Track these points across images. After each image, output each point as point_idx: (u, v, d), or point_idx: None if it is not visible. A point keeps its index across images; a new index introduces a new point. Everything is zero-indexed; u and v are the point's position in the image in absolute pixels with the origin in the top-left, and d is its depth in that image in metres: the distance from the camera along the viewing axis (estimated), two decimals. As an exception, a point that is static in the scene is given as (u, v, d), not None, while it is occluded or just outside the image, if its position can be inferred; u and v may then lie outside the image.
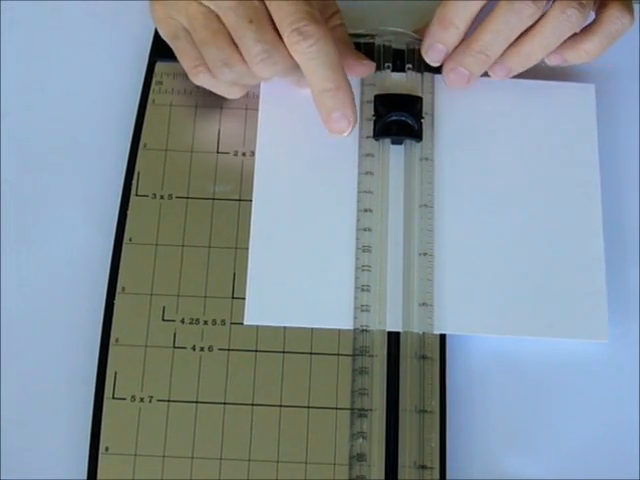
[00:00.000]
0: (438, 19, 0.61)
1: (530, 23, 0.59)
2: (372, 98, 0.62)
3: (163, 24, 0.59)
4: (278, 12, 0.55)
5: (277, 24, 0.56)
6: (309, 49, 0.55)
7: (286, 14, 0.55)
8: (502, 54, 0.61)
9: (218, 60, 0.58)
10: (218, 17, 0.57)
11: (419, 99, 0.62)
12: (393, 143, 0.62)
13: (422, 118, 0.62)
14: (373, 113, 0.62)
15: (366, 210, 0.59)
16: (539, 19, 0.59)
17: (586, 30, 0.61)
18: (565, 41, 0.60)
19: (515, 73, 0.62)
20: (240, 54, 0.57)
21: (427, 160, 0.61)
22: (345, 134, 0.58)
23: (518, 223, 0.60)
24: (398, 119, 0.61)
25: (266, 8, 0.56)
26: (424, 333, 0.57)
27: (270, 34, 0.57)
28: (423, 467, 0.54)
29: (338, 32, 0.61)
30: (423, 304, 0.58)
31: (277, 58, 0.57)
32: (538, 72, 0.63)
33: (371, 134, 0.62)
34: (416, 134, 0.61)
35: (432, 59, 0.62)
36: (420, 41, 0.63)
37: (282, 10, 0.55)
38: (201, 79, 0.60)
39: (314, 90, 0.57)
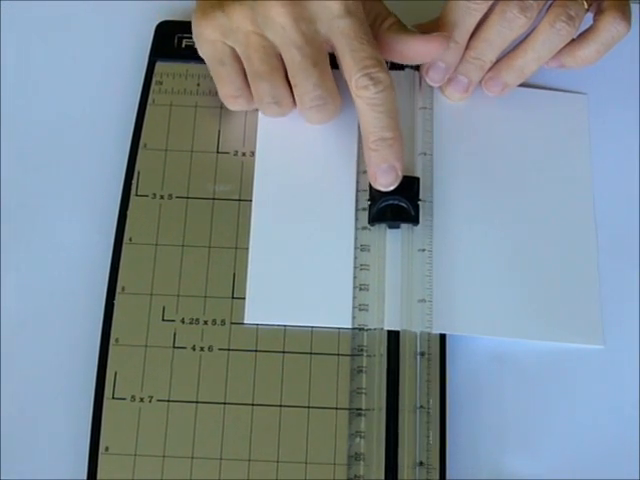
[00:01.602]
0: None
1: (521, 33, 0.60)
2: (367, 186, 0.59)
3: (209, 46, 0.58)
4: (350, 54, 0.55)
5: (346, 66, 0.56)
6: (376, 95, 0.55)
7: (359, 57, 0.55)
8: (496, 69, 0.62)
9: (270, 96, 0.58)
10: (278, 54, 0.56)
11: (415, 180, 0.60)
12: (390, 227, 0.59)
13: (419, 200, 0.59)
14: (368, 198, 0.59)
15: (365, 209, 0.59)
16: (530, 33, 0.60)
17: (583, 36, 0.61)
18: (563, 46, 0.61)
19: (510, 88, 0.63)
20: (291, 94, 0.58)
21: (425, 155, 0.62)
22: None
23: (514, 228, 0.61)
24: (393, 204, 0.59)
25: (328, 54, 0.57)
26: (423, 331, 0.57)
27: (330, 81, 0.57)
28: (423, 466, 0.54)
29: (396, 27, 0.59)
30: (422, 300, 0.58)
31: (331, 106, 0.58)
32: (533, 80, 0.64)
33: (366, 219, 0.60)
34: (413, 219, 0.59)
35: (433, 78, 0.62)
36: None
37: (355, 52, 0.55)
38: (237, 107, 0.61)
39: (370, 138, 0.57)
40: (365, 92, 0.55)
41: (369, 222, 0.59)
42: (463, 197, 0.61)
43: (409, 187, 0.59)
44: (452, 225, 0.60)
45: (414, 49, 0.59)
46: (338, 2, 0.55)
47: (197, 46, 0.58)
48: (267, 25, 0.55)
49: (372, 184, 0.58)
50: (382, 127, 0.56)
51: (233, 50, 0.58)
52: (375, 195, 0.59)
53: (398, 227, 0.59)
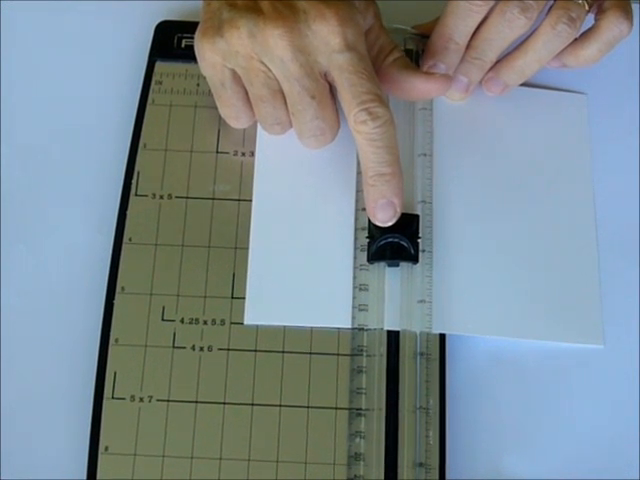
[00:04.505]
0: (437, 37, 0.61)
1: (521, 33, 0.60)
2: (366, 224, 0.59)
3: (211, 68, 0.58)
4: (349, 88, 0.55)
5: (344, 100, 0.55)
6: (374, 130, 0.55)
7: (358, 92, 0.55)
8: (497, 70, 0.62)
9: (273, 118, 0.58)
10: (279, 80, 0.56)
11: (415, 217, 0.59)
12: (389, 266, 0.59)
13: (419, 238, 0.58)
14: (367, 236, 0.59)
15: (365, 209, 0.59)
16: (532, 34, 0.60)
17: (585, 36, 0.61)
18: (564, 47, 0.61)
19: (510, 89, 0.63)
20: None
21: (426, 156, 0.62)
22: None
23: (514, 227, 0.60)
24: (393, 241, 0.58)
25: (329, 86, 0.56)
26: (423, 331, 0.57)
27: (328, 111, 0.57)
28: (422, 466, 0.54)
29: (400, 62, 0.59)
30: (422, 301, 0.58)
31: (328, 135, 0.58)
32: (532, 80, 0.64)
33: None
34: (412, 257, 0.58)
35: None
36: (418, 36, 0.64)
37: (354, 87, 0.55)
38: (238, 126, 0.61)
39: (368, 173, 0.56)
40: (363, 127, 0.55)
41: (368, 260, 0.58)
42: (463, 197, 0.61)
43: (408, 225, 0.58)
44: (452, 225, 0.60)
45: (416, 87, 0.58)
46: (338, 36, 0.54)
47: (199, 64, 0.58)
48: (266, 55, 0.55)
49: (370, 219, 0.57)
50: (380, 162, 0.56)
51: (234, 72, 0.57)
52: (374, 233, 0.58)
53: (397, 265, 0.58)
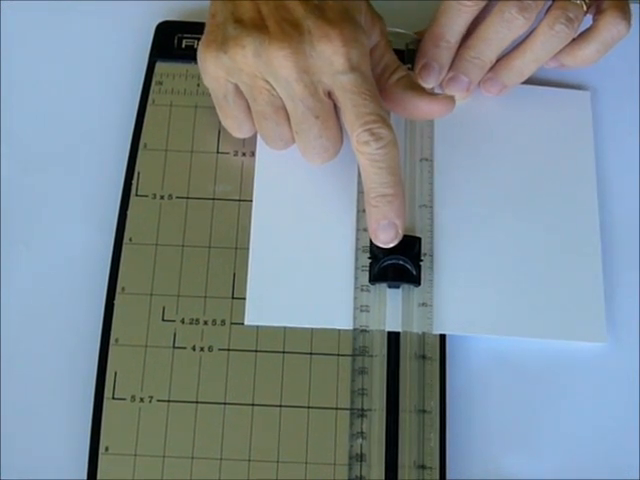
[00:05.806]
0: (429, 36, 0.62)
1: (520, 33, 0.60)
2: (368, 243, 0.59)
3: (214, 81, 0.57)
4: (352, 109, 0.54)
5: (348, 120, 0.55)
6: (377, 151, 0.54)
7: (361, 113, 0.54)
8: (495, 70, 0.62)
9: (275, 134, 0.58)
10: (283, 99, 0.56)
11: (417, 240, 0.59)
12: (390, 287, 0.58)
13: (421, 261, 0.58)
14: (369, 257, 0.58)
15: (364, 210, 0.59)
16: (530, 34, 0.60)
17: (583, 36, 0.62)
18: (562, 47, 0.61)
19: (509, 89, 0.63)
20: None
21: (427, 161, 0.62)
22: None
23: (517, 225, 0.61)
24: (395, 263, 0.58)
25: (333, 105, 0.56)
26: (424, 333, 0.57)
27: (332, 130, 0.57)
28: (423, 467, 0.54)
29: (404, 82, 0.58)
30: (423, 304, 0.58)
31: (332, 152, 0.58)
32: (535, 77, 0.64)
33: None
34: (414, 279, 0.58)
35: (425, 79, 0.62)
36: (419, 41, 0.64)
37: (357, 108, 0.54)
38: (239, 136, 0.61)
39: (370, 194, 0.56)
40: (366, 148, 0.55)
41: (370, 281, 0.58)
42: (464, 199, 0.61)
43: (410, 247, 0.58)
44: (453, 228, 0.60)
45: (419, 107, 0.58)
46: (342, 57, 0.54)
47: (202, 75, 0.58)
48: (270, 74, 0.55)
49: (372, 240, 0.57)
50: (382, 183, 0.55)
51: (237, 87, 0.57)
52: (377, 254, 0.58)
53: (398, 287, 0.58)
